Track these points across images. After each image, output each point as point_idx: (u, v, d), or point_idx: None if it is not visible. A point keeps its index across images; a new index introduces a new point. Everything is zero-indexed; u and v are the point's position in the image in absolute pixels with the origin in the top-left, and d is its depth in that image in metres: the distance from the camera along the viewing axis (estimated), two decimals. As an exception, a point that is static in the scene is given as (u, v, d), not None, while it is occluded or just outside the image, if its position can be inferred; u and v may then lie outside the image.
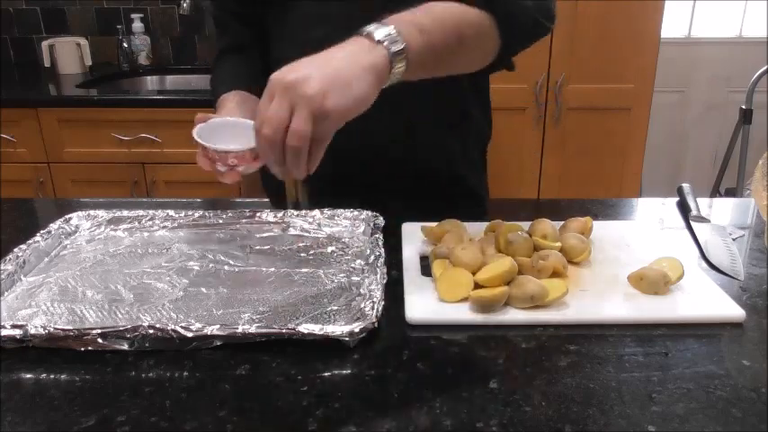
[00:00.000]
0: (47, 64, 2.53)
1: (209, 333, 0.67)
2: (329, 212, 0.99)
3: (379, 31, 0.71)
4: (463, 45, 0.83)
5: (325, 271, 0.84)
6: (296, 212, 0.99)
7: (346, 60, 0.68)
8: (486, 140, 1.20)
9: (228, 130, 0.86)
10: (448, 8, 0.81)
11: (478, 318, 0.73)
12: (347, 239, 0.93)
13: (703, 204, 1.05)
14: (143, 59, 2.60)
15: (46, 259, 0.89)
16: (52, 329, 0.67)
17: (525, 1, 0.88)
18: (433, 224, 0.91)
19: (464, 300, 0.75)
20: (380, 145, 1.04)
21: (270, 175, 0.74)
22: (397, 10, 0.77)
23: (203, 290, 0.80)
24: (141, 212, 1.00)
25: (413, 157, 1.07)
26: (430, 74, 0.80)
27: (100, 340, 0.67)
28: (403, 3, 0.79)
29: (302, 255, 0.89)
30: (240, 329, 0.67)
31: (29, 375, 0.64)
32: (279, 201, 1.12)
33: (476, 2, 0.84)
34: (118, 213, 1.00)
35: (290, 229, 0.97)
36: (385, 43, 0.71)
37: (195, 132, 0.84)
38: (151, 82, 2.60)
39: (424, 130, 1.06)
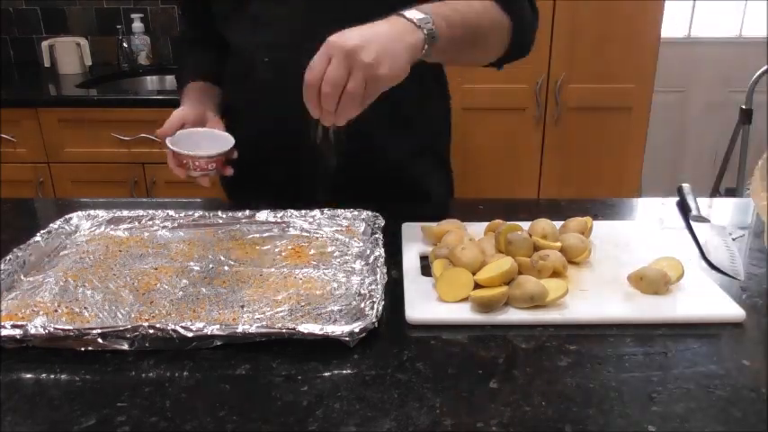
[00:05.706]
0: (47, 64, 2.53)
1: (209, 333, 0.67)
2: (329, 212, 0.99)
3: (419, 17, 0.79)
4: (477, 43, 0.90)
5: (325, 271, 0.84)
6: (296, 212, 0.99)
7: (393, 36, 0.77)
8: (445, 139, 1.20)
9: (195, 139, 1.00)
10: (472, 6, 0.88)
11: (478, 318, 0.73)
12: (347, 239, 0.93)
13: (703, 204, 1.05)
14: (143, 59, 2.60)
15: (46, 259, 0.89)
16: (52, 329, 0.67)
17: (530, 15, 0.97)
18: (433, 224, 0.91)
19: (464, 300, 0.75)
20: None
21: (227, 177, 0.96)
22: (341, 10, 0.84)
23: (203, 290, 0.80)
24: (141, 212, 1.00)
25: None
26: (444, 62, 0.89)
27: (100, 340, 0.67)
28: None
29: (302, 255, 0.89)
30: (240, 329, 0.67)
31: (29, 375, 0.64)
32: (236, 197, 1.20)
33: (499, 3, 0.91)
34: (118, 213, 1.00)
35: (290, 228, 0.97)
36: (424, 30, 0.79)
37: (168, 141, 0.97)
38: (151, 82, 2.60)
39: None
